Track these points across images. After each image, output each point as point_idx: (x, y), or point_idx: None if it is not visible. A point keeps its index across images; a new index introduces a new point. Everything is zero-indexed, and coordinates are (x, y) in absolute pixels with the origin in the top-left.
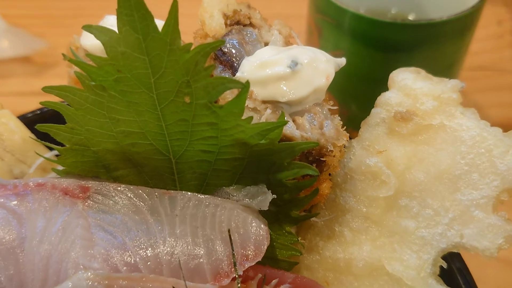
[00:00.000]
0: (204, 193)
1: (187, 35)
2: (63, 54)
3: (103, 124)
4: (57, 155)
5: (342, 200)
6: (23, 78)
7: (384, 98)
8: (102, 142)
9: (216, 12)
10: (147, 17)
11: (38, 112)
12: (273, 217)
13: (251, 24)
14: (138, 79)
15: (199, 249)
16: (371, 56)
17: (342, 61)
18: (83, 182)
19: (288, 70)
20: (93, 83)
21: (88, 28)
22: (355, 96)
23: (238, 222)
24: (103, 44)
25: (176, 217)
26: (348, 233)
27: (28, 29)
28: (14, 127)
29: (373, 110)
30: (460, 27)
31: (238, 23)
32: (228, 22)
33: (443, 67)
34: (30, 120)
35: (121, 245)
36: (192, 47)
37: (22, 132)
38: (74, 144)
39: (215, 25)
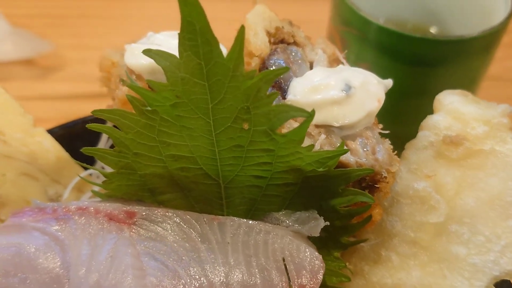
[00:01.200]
0: (252, 218)
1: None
2: (122, 80)
3: (152, 148)
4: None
5: (389, 224)
6: (26, 81)
7: (432, 121)
8: (149, 166)
9: (260, 29)
10: (212, 42)
11: (66, 127)
12: (322, 242)
13: (295, 43)
14: (196, 104)
15: (254, 279)
16: (398, 70)
17: (389, 82)
18: (128, 207)
19: (342, 94)
20: (149, 108)
21: (148, 52)
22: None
23: (292, 250)
24: (164, 69)
25: (228, 245)
26: (396, 258)
27: (30, 29)
28: (49, 145)
29: (420, 133)
30: (488, 42)
31: (282, 41)
32: (272, 40)
33: (467, 81)
34: (58, 135)
35: (174, 274)
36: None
37: (56, 151)
38: (121, 168)
39: (260, 43)
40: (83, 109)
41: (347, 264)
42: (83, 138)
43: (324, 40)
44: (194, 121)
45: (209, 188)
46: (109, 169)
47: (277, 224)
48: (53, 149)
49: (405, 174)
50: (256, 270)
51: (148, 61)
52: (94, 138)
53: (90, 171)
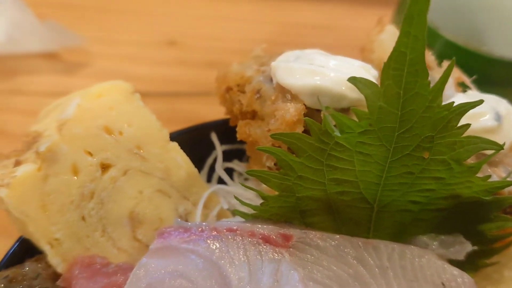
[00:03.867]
0: (397, 241)
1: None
2: (327, 107)
3: (317, 172)
4: None
5: None
6: (52, 76)
7: None
8: (309, 189)
9: None
10: (420, 73)
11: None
12: (459, 264)
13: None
14: (383, 133)
15: None
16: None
17: None
18: (284, 230)
19: (495, 124)
20: (339, 134)
21: (353, 80)
22: None
23: (446, 274)
24: (366, 98)
25: (388, 269)
26: None
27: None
28: (181, 161)
29: None
30: None
31: None
32: None
33: None
34: None
35: None
36: None
37: (188, 167)
38: (283, 190)
39: None
40: None
41: None
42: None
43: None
44: (373, 148)
45: (361, 212)
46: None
47: (423, 247)
48: (185, 165)
49: None
50: None
51: (311, 83)
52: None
53: (217, 186)
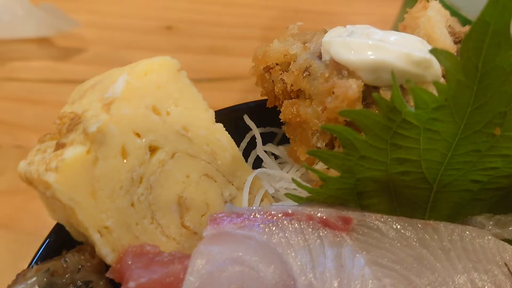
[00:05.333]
0: (454, 222)
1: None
2: (408, 81)
3: (380, 151)
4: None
5: None
6: (44, 62)
7: None
8: (370, 170)
9: (443, 28)
10: (504, 46)
11: None
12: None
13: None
14: (457, 108)
15: (488, 286)
16: None
17: None
18: (343, 213)
19: None
20: (412, 109)
21: (435, 52)
22: None
23: (507, 254)
24: (446, 71)
25: (450, 251)
26: None
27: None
28: (226, 144)
29: None
30: None
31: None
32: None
33: None
34: None
35: (409, 283)
36: None
37: (232, 150)
38: (344, 171)
39: (449, 44)
40: None
41: None
42: None
43: None
44: (443, 125)
45: (420, 192)
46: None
47: (479, 227)
48: (230, 148)
49: None
50: (486, 277)
51: (372, 58)
52: None
53: (260, 170)
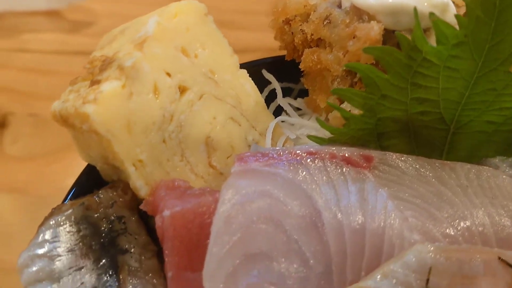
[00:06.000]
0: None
1: None
2: (431, 13)
3: (401, 91)
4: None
5: None
6: (54, 34)
7: None
8: (391, 110)
9: None
10: None
11: None
12: None
13: None
14: (476, 45)
15: (504, 219)
16: None
17: None
18: (365, 151)
19: None
20: (434, 44)
21: None
22: None
23: None
24: (466, 6)
25: (467, 188)
26: None
27: None
28: (250, 89)
29: None
30: None
31: None
32: None
33: None
34: None
35: (429, 215)
36: None
37: (256, 96)
38: (366, 110)
39: None
40: None
41: None
42: None
43: None
44: (462, 62)
45: (437, 133)
46: None
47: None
48: (253, 94)
49: None
50: (503, 211)
51: (392, 1)
52: None
53: (282, 118)
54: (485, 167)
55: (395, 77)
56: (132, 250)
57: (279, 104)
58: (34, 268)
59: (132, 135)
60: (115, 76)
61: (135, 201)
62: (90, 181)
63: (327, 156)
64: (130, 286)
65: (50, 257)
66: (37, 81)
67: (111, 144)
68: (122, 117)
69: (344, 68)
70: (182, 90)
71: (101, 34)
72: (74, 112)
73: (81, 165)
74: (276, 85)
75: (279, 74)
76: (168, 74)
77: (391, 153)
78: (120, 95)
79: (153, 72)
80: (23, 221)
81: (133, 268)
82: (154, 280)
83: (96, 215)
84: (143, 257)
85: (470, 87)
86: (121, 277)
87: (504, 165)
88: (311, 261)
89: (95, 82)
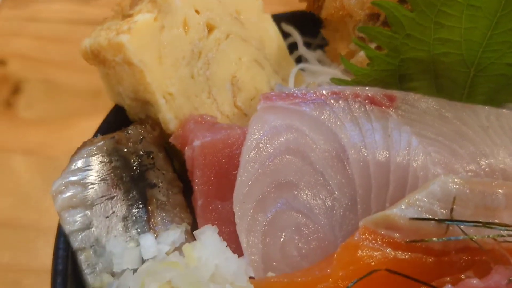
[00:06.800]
0: None
1: None
2: None
3: (425, 30)
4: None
5: None
6: (66, 4)
7: None
8: (415, 50)
9: None
10: None
11: None
12: None
13: None
14: None
15: None
16: None
17: None
18: (387, 91)
19: None
20: None
21: None
22: None
23: None
24: None
25: (488, 128)
26: None
27: None
28: (273, 34)
29: None
30: None
31: None
32: None
33: None
34: None
35: (452, 151)
36: None
37: (279, 40)
38: (390, 50)
39: None
40: None
41: None
42: None
43: None
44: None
45: (459, 76)
46: None
47: None
48: (276, 38)
49: None
50: None
51: None
52: None
53: (303, 65)
54: (504, 110)
55: (419, 15)
56: (160, 184)
57: (298, 57)
58: (68, 194)
59: (163, 67)
60: (148, 9)
61: (163, 138)
62: (117, 122)
63: (350, 96)
64: (159, 218)
65: (83, 184)
66: (49, 49)
67: (143, 75)
68: (154, 48)
69: (371, 4)
70: (210, 28)
71: (112, 4)
72: (107, 44)
73: (93, 129)
74: (296, 35)
75: (298, 28)
76: (197, 11)
77: (413, 94)
78: (153, 27)
79: (183, 7)
80: (36, 180)
81: (160, 202)
82: (181, 214)
83: (126, 149)
84: (170, 192)
85: (492, 26)
86: (150, 209)
87: None
88: (336, 193)
89: (127, 16)
